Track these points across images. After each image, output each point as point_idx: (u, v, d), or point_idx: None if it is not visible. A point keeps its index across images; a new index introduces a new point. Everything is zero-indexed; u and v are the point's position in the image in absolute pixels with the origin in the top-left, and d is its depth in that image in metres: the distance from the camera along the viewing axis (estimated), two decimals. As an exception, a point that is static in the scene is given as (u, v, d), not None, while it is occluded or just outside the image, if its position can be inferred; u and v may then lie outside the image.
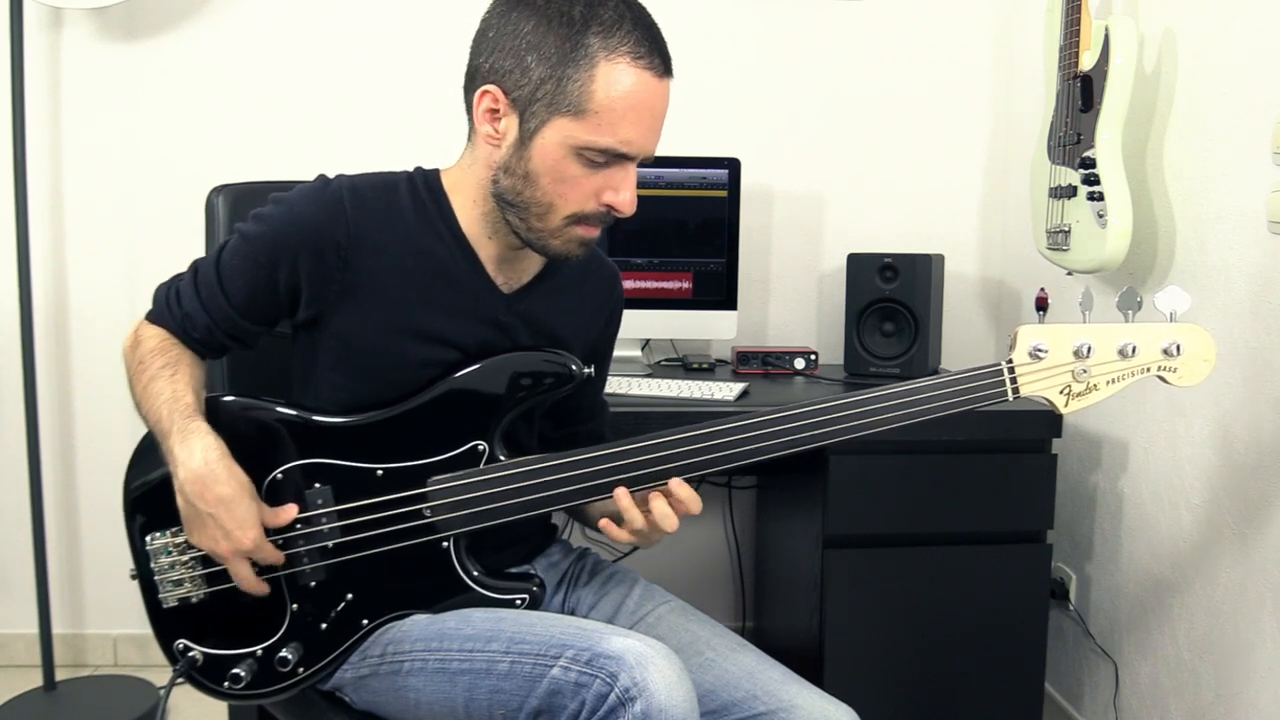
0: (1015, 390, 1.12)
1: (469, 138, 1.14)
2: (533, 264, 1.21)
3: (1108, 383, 1.13)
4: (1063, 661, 2.04)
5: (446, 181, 1.17)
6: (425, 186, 1.17)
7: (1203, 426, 1.61)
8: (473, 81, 1.10)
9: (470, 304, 1.16)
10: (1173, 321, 1.12)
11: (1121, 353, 1.11)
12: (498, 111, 1.07)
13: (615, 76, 1.03)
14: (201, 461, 1.05)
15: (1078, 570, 1.99)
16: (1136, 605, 1.79)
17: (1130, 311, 1.12)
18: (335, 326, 1.14)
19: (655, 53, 1.05)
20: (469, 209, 1.15)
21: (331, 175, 1.15)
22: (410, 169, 1.19)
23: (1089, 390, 1.12)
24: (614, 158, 1.06)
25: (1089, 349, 1.11)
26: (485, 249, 1.17)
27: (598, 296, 1.29)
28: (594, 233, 1.13)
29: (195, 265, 1.18)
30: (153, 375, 1.13)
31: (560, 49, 1.02)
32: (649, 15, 1.07)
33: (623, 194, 1.08)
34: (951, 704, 1.77)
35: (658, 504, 1.09)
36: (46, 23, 2.14)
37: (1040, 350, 1.11)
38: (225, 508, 1.04)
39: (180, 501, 1.06)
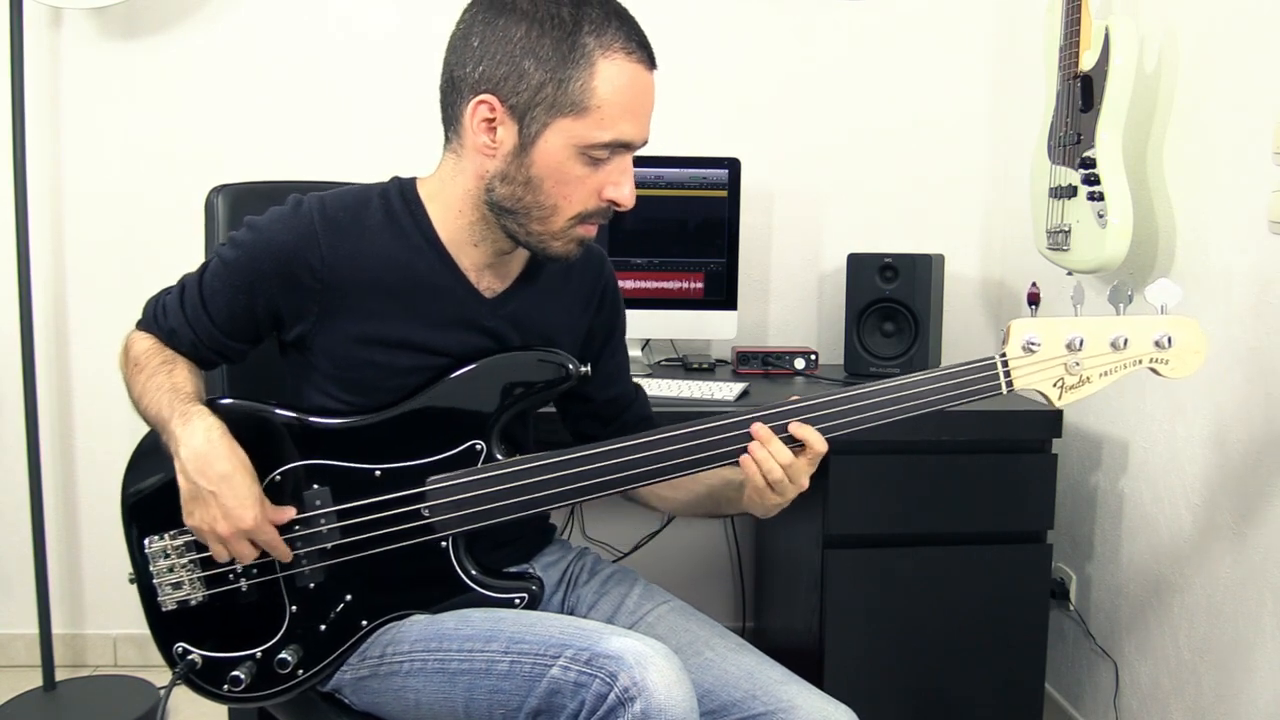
0: (1009, 383, 1.12)
1: (448, 147, 1.13)
2: (515, 266, 1.21)
3: (1100, 375, 1.13)
4: (1063, 661, 2.04)
5: (424, 191, 1.16)
6: (401, 198, 1.16)
7: (1203, 426, 1.61)
8: (458, 92, 1.08)
9: (454, 313, 1.16)
10: (1163, 314, 1.12)
11: (1113, 345, 1.12)
12: (493, 120, 1.06)
13: (613, 72, 1.04)
14: (204, 439, 1.05)
15: (1078, 570, 1.99)
16: (1136, 605, 1.79)
17: (1121, 305, 1.12)
18: (322, 345, 1.14)
19: (642, 46, 1.07)
20: (450, 219, 1.14)
21: (304, 195, 1.14)
22: (386, 180, 1.18)
23: (1082, 383, 1.13)
24: (615, 151, 1.07)
25: (1081, 342, 1.11)
26: (466, 257, 1.16)
27: (584, 284, 1.29)
28: (593, 231, 1.13)
29: (182, 282, 1.19)
30: (152, 371, 1.14)
31: (557, 50, 1.03)
32: (627, 10, 1.09)
33: (624, 188, 1.09)
34: (951, 704, 1.77)
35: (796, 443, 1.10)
36: (46, 22, 2.14)
37: (1033, 344, 1.12)
38: (227, 484, 1.05)
39: (181, 481, 1.06)
